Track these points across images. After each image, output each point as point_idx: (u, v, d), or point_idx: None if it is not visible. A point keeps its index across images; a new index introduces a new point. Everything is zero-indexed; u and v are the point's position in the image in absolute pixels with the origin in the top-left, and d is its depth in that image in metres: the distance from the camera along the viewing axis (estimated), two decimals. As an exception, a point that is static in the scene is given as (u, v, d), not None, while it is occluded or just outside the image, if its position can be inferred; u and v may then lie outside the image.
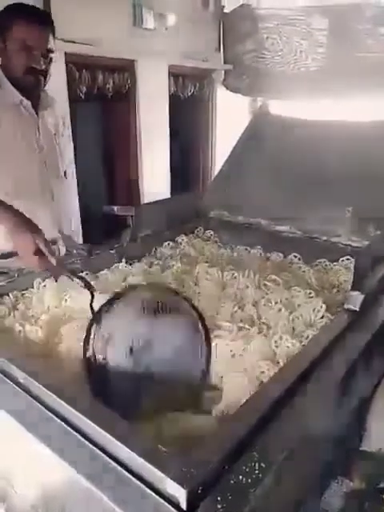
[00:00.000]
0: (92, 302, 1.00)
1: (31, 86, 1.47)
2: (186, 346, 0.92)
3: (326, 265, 1.52)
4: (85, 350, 0.88)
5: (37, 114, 1.53)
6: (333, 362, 0.87)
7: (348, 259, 1.49)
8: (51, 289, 1.24)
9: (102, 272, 1.42)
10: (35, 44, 1.39)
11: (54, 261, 1.10)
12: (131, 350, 0.87)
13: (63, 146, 1.67)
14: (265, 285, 1.31)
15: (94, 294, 1.03)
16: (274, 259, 1.59)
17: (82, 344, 0.90)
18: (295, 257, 1.57)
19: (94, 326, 0.89)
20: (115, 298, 0.95)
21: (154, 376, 0.87)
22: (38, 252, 1.08)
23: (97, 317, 0.91)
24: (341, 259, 1.50)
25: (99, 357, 0.87)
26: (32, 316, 1.14)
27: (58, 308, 1.17)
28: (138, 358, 0.87)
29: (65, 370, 0.94)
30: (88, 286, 1.07)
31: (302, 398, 0.77)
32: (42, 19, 1.42)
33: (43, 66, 1.43)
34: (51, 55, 1.45)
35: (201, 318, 0.96)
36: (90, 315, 0.98)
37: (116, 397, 0.83)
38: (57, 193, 1.66)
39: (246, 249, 1.67)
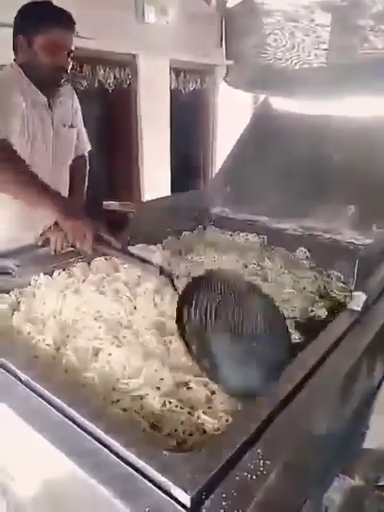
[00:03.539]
0: (174, 284, 1.05)
1: (55, 85, 1.49)
2: (271, 324, 0.97)
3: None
4: (182, 330, 0.88)
5: (51, 110, 1.53)
6: (336, 361, 0.88)
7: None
8: (48, 286, 1.24)
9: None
10: (64, 44, 1.40)
11: (118, 245, 1.14)
12: (231, 326, 0.91)
13: (71, 138, 1.67)
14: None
15: (173, 278, 1.08)
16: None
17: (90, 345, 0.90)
18: (303, 251, 1.60)
19: (186, 307, 0.92)
20: (198, 280, 0.99)
21: (255, 351, 0.90)
22: (98, 238, 1.13)
23: (185, 299, 0.94)
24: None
25: (199, 335, 0.88)
26: (36, 317, 1.13)
27: (60, 312, 1.15)
28: (236, 332, 0.91)
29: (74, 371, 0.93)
30: (163, 271, 1.09)
31: (306, 397, 0.77)
32: (67, 18, 1.43)
33: (69, 65, 1.45)
34: (71, 54, 1.47)
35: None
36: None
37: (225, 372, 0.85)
38: (63, 186, 1.65)
39: (246, 235, 1.75)
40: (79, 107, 1.72)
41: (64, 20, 1.42)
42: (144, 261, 1.13)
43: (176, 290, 1.02)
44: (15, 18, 1.42)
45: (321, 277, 1.43)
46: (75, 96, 1.70)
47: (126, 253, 1.15)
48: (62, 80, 1.49)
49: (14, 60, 1.46)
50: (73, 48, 1.45)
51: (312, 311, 1.22)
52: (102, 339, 0.99)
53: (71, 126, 1.65)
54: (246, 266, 1.48)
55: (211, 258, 1.53)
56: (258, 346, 0.90)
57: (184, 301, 0.93)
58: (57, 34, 1.39)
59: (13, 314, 1.13)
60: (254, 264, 1.47)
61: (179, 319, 0.90)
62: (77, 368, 0.92)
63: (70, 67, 1.48)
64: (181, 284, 1.05)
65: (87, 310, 1.13)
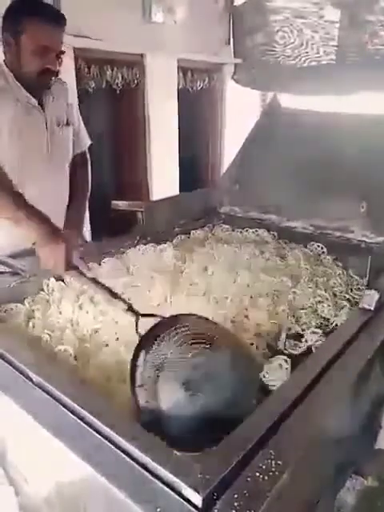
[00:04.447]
0: (137, 325, 0.95)
1: (43, 87, 1.44)
2: (238, 377, 0.85)
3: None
4: (133, 377, 0.81)
5: (44, 110, 1.50)
6: (348, 361, 0.87)
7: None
8: (60, 292, 1.23)
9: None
10: (51, 45, 1.34)
11: (89, 274, 1.07)
12: (186, 382, 0.79)
13: (67, 136, 1.62)
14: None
15: (139, 316, 0.97)
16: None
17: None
18: (319, 246, 1.59)
19: (143, 352, 0.83)
20: (162, 325, 0.89)
21: (212, 410, 0.78)
22: (70, 266, 1.06)
23: (145, 343, 0.85)
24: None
25: (149, 386, 0.79)
26: (54, 325, 1.12)
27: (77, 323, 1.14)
28: (195, 391, 0.79)
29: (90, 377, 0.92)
30: (131, 308, 1.00)
31: (318, 397, 0.77)
32: (57, 18, 1.36)
33: (57, 67, 1.40)
34: (62, 56, 1.41)
35: (247, 348, 0.95)
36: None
37: (171, 431, 0.76)
38: (64, 185, 1.65)
39: (256, 231, 1.73)
40: (75, 102, 1.67)
41: (51, 18, 1.34)
42: (115, 295, 1.04)
43: (138, 332, 0.92)
44: (3, 16, 1.35)
45: (345, 272, 1.43)
46: (68, 91, 1.65)
47: (97, 283, 1.08)
48: (51, 82, 1.44)
49: (4, 61, 1.41)
50: (62, 48, 1.38)
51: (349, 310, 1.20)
52: (121, 352, 0.98)
53: (67, 124, 1.60)
54: (268, 260, 1.46)
55: (227, 250, 1.51)
56: (212, 404, 0.78)
57: (143, 345, 0.85)
58: (43, 33, 1.31)
59: (28, 322, 1.12)
60: (275, 259, 1.46)
61: (134, 362, 0.82)
62: (98, 381, 0.92)
63: (59, 68, 1.40)
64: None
65: (104, 318, 1.11)
